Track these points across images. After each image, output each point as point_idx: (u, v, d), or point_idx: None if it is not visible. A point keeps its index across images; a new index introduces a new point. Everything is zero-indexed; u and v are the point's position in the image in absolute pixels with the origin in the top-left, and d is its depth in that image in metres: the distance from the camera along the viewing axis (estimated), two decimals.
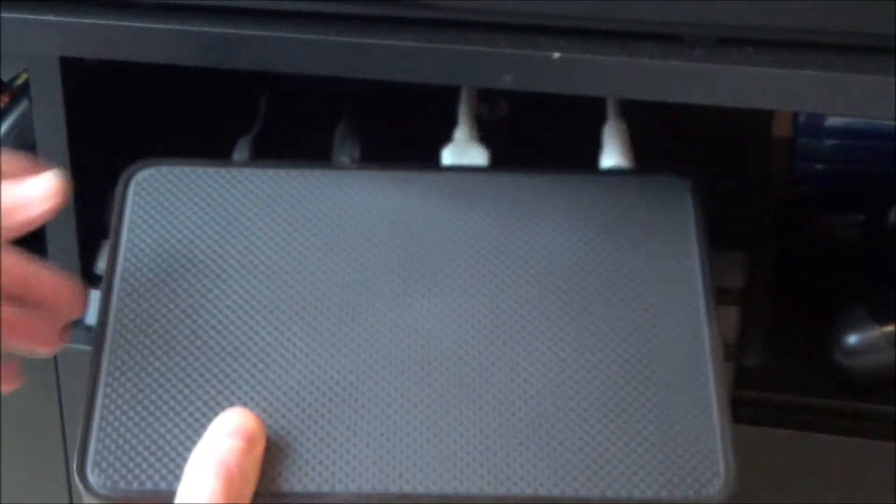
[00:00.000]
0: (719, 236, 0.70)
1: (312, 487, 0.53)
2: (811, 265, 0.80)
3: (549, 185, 0.61)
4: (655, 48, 0.60)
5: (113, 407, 0.55)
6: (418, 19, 0.62)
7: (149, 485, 0.53)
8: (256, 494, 0.53)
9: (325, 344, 0.57)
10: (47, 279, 0.58)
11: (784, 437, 0.68)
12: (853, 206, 0.80)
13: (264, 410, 0.55)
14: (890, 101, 0.57)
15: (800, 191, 0.87)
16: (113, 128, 0.74)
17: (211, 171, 0.62)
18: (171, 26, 0.63)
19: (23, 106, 0.79)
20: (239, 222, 0.60)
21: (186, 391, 0.55)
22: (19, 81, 0.82)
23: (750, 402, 0.69)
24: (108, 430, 0.54)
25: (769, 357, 0.72)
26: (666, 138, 0.75)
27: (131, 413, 0.55)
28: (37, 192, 0.56)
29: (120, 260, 0.59)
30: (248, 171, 0.62)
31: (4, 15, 0.64)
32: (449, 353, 0.56)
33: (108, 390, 0.55)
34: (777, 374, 0.71)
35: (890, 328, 0.68)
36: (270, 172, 0.62)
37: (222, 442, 0.53)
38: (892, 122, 0.82)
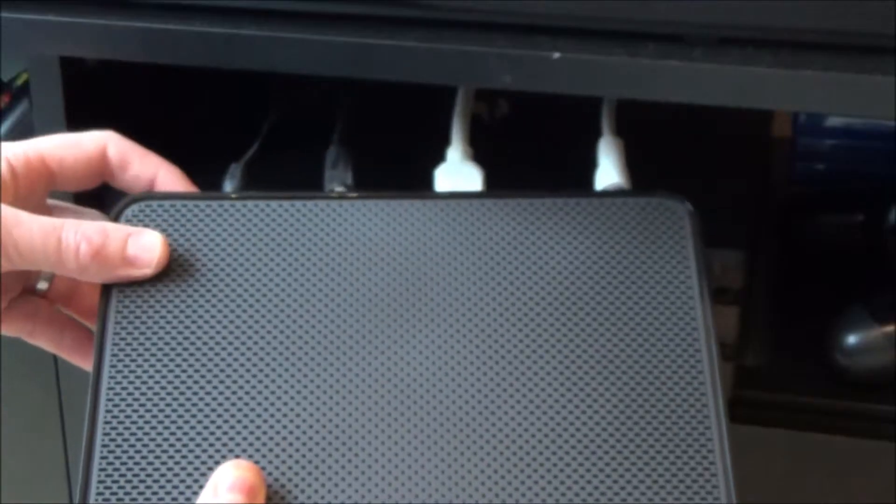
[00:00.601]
0: (719, 236, 0.70)
1: None
2: (811, 265, 0.80)
3: (544, 209, 0.61)
4: (655, 48, 0.60)
5: (111, 461, 0.54)
6: (418, 19, 0.62)
7: None
8: None
9: (324, 385, 0.56)
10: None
11: (784, 437, 0.68)
12: (853, 206, 0.80)
13: (263, 457, 0.54)
14: (890, 101, 0.57)
15: (800, 191, 0.87)
16: (113, 128, 0.74)
17: (202, 204, 0.61)
18: (171, 26, 0.63)
19: (23, 106, 0.79)
20: (230, 256, 0.60)
21: (183, 441, 0.55)
22: (19, 81, 0.82)
23: (750, 402, 0.69)
24: (108, 483, 0.54)
25: (769, 357, 0.72)
26: (665, 138, 0.75)
27: (129, 467, 0.54)
28: (144, 255, 0.56)
29: (112, 303, 0.58)
30: (238, 204, 0.61)
31: (4, 15, 0.64)
32: (448, 390, 0.56)
33: (106, 441, 0.55)
34: (777, 374, 0.71)
35: (890, 328, 0.68)
36: (262, 205, 0.61)
37: (223, 498, 0.52)
38: (892, 122, 0.82)
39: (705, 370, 0.56)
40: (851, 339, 0.69)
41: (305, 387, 0.56)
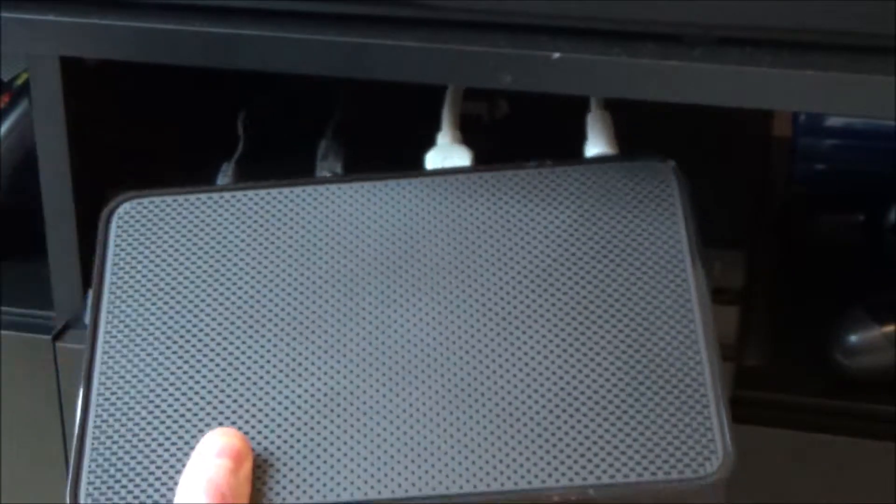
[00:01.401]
0: (719, 236, 0.70)
1: (305, 500, 0.53)
2: (811, 265, 0.80)
3: (532, 179, 0.62)
4: (655, 48, 0.60)
5: (103, 435, 0.55)
6: (418, 19, 0.62)
7: None
8: None
9: (314, 358, 0.57)
10: None
11: (784, 437, 0.68)
12: (853, 206, 0.80)
13: (253, 427, 0.55)
14: (890, 101, 0.57)
15: (800, 191, 0.87)
16: (113, 128, 0.74)
17: (192, 198, 0.62)
18: (171, 26, 0.63)
19: (23, 106, 0.79)
20: (223, 245, 0.60)
21: (175, 414, 0.55)
22: (19, 81, 0.82)
23: (750, 402, 0.69)
24: (99, 458, 0.55)
25: (769, 357, 0.72)
26: (665, 138, 0.75)
27: (122, 440, 0.55)
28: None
29: (106, 287, 0.59)
30: (229, 194, 0.62)
31: (4, 15, 0.64)
32: (438, 357, 0.56)
33: (98, 419, 0.56)
34: (777, 374, 0.71)
35: (890, 328, 0.68)
36: (251, 194, 0.62)
37: (210, 462, 0.52)
38: (892, 122, 0.82)
39: (696, 319, 0.57)
40: (851, 339, 0.69)
41: (296, 360, 0.56)
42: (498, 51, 0.60)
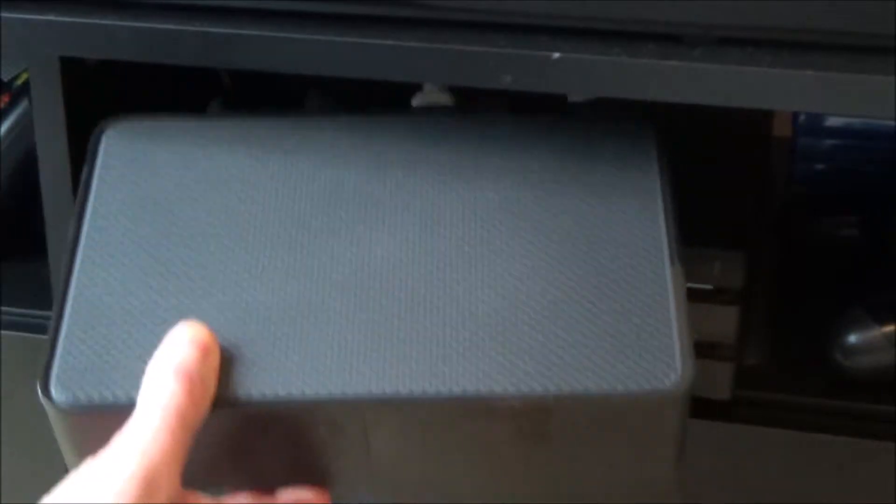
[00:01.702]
0: (719, 236, 0.70)
1: (270, 394, 0.54)
2: (811, 265, 0.80)
3: (513, 126, 0.63)
4: (655, 48, 0.60)
5: (77, 327, 0.56)
6: (418, 19, 0.62)
7: (110, 396, 0.54)
8: (215, 404, 0.54)
9: (286, 268, 0.58)
10: None
11: (784, 437, 0.68)
12: (853, 206, 0.80)
13: (222, 325, 0.56)
14: (890, 101, 0.57)
15: (800, 191, 0.87)
16: None
17: (180, 123, 0.64)
18: (171, 26, 0.63)
19: (23, 106, 0.79)
20: (208, 166, 0.62)
21: (149, 311, 0.57)
22: (19, 81, 0.82)
23: (750, 402, 0.69)
24: (72, 348, 0.56)
25: (769, 357, 0.72)
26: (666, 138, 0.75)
27: (95, 332, 0.56)
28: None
29: (91, 199, 0.61)
30: (217, 121, 0.64)
31: (4, 15, 0.64)
32: (409, 270, 0.58)
33: (74, 311, 0.57)
34: (777, 374, 0.71)
35: (890, 328, 0.69)
36: (239, 122, 0.64)
37: (180, 349, 0.54)
38: (892, 122, 0.82)
39: (663, 244, 0.58)
40: (851, 339, 0.69)
41: (268, 267, 0.58)
42: (498, 51, 0.60)
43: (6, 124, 0.79)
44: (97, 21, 0.64)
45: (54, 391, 0.54)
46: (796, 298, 0.77)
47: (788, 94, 0.58)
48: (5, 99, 0.81)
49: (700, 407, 0.69)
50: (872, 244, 0.78)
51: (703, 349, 0.68)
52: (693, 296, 0.68)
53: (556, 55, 0.59)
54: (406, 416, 0.54)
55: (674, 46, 0.60)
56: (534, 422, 0.54)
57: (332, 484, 0.57)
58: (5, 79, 0.84)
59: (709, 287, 0.69)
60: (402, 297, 0.56)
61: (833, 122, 0.86)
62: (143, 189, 0.61)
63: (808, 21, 0.58)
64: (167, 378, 0.53)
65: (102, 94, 0.72)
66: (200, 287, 0.57)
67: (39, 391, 0.54)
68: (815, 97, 0.58)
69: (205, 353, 0.54)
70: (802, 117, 0.86)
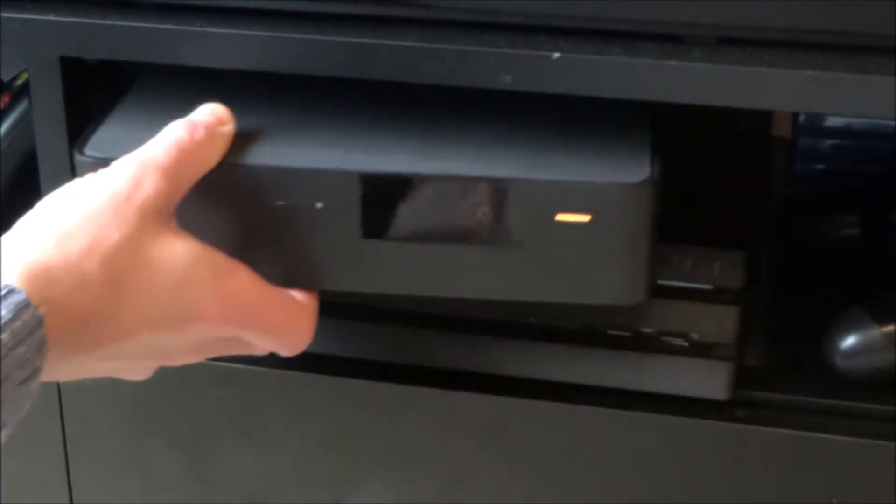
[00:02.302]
0: (719, 236, 0.70)
1: (273, 161, 0.61)
2: (811, 265, 0.80)
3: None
4: (655, 48, 0.60)
5: (122, 114, 0.66)
6: (418, 19, 0.62)
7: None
8: (221, 165, 0.60)
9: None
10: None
11: (784, 437, 0.68)
12: (853, 206, 0.80)
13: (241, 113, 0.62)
14: (890, 101, 0.57)
15: (800, 191, 0.87)
16: None
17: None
18: (170, 26, 0.63)
19: (23, 106, 0.79)
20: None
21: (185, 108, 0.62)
22: (19, 81, 0.82)
23: (750, 402, 0.69)
24: (115, 125, 0.65)
25: (769, 357, 0.72)
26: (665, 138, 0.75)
27: (133, 121, 0.64)
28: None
29: None
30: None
31: (4, 15, 0.64)
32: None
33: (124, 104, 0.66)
34: (777, 374, 0.71)
35: (889, 328, 0.68)
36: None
37: (195, 114, 0.61)
38: (892, 122, 0.82)
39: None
40: (851, 340, 0.69)
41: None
42: (498, 51, 0.60)
43: (6, 124, 0.79)
44: (97, 21, 0.64)
45: (88, 150, 0.63)
46: (796, 298, 0.77)
47: (788, 94, 0.58)
48: (5, 99, 0.81)
49: (700, 407, 0.69)
50: (872, 244, 0.78)
51: (703, 349, 0.69)
52: (693, 296, 0.69)
53: (556, 55, 0.59)
54: (398, 194, 0.61)
55: (674, 46, 0.60)
56: (507, 215, 0.61)
57: (324, 287, 0.63)
58: (5, 79, 0.83)
59: (709, 287, 0.69)
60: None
61: (833, 122, 0.86)
62: None
63: (808, 21, 0.58)
64: (176, 127, 0.60)
65: (102, 94, 0.72)
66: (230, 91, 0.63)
67: (76, 152, 0.63)
68: (815, 97, 0.58)
69: (219, 120, 0.61)
70: (802, 117, 0.86)
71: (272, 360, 0.71)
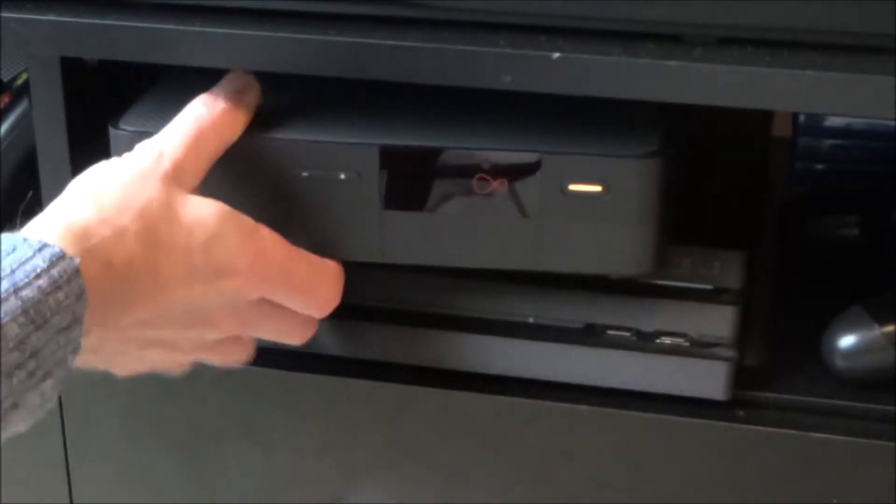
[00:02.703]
0: (719, 236, 0.70)
1: (299, 134, 0.64)
2: (811, 265, 0.80)
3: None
4: (655, 48, 0.60)
5: (156, 93, 0.68)
6: (418, 19, 0.62)
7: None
8: (249, 137, 0.63)
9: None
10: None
11: (784, 437, 0.68)
12: (853, 206, 0.80)
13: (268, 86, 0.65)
14: (890, 101, 0.57)
15: (800, 191, 0.87)
16: (112, 128, 0.74)
17: None
18: (170, 26, 0.63)
19: (23, 106, 0.79)
20: None
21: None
22: (19, 81, 0.82)
23: (750, 402, 0.69)
24: (148, 103, 0.67)
25: (769, 357, 0.72)
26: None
27: (165, 98, 0.66)
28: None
29: None
30: None
31: (4, 15, 0.64)
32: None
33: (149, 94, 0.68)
34: (777, 374, 0.71)
35: (889, 328, 0.68)
36: None
37: (218, 85, 0.63)
38: (892, 122, 0.82)
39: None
40: (851, 340, 0.69)
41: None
42: (498, 51, 0.60)
43: (6, 124, 0.79)
44: (97, 21, 0.64)
45: (122, 124, 0.66)
46: (796, 298, 0.77)
47: (788, 94, 0.58)
48: (5, 99, 0.81)
49: (700, 407, 0.69)
50: (872, 244, 0.78)
51: (702, 349, 0.69)
52: (693, 296, 0.69)
53: (556, 55, 0.59)
54: (414, 166, 0.64)
55: (674, 46, 0.60)
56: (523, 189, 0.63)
57: (345, 258, 0.65)
58: (5, 79, 0.83)
59: (709, 287, 0.69)
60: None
61: (833, 122, 0.86)
62: None
63: (808, 21, 0.58)
64: (198, 101, 0.62)
65: (102, 94, 0.72)
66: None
67: (111, 127, 0.66)
68: (815, 97, 0.58)
69: (241, 90, 0.63)
70: (802, 117, 0.86)
71: (272, 361, 0.72)
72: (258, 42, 0.62)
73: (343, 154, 0.64)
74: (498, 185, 0.63)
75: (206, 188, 0.62)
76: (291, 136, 0.64)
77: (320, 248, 0.65)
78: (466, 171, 0.64)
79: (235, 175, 0.65)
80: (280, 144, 0.64)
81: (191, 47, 0.63)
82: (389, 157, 0.64)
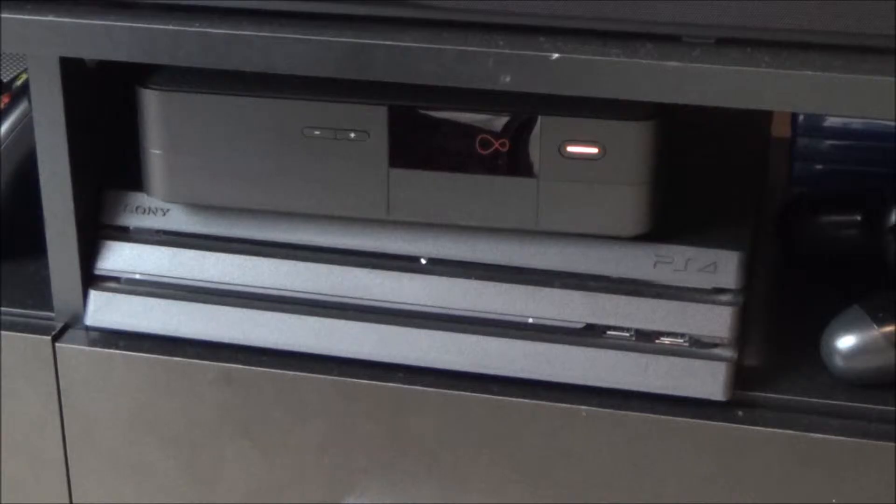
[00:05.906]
0: (719, 236, 0.70)
1: (310, 95, 0.66)
2: (811, 265, 0.80)
3: None
4: (655, 48, 0.60)
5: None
6: (418, 19, 0.62)
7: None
8: (260, 97, 0.65)
9: None
10: None
11: (783, 438, 0.68)
12: (853, 206, 0.80)
13: None
14: (890, 101, 0.57)
15: (799, 191, 0.87)
16: (112, 128, 0.74)
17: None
18: (170, 26, 0.63)
19: (23, 106, 0.79)
20: None
21: None
22: (19, 81, 0.82)
23: (750, 402, 0.69)
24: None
25: (769, 357, 0.72)
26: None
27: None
28: None
29: None
30: None
31: (4, 15, 0.64)
32: None
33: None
34: (777, 374, 0.71)
35: (888, 329, 0.68)
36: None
37: None
38: (892, 122, 0.82)
39: None
40: (850, 341, 0.69)
41: None
42: (498, 51, 0.60)
43: (6, 124, 0.79)
44: (97, 21, 0.64)
45: (150, 83, 0.68)
46: (796, 298, 0.77)
47: (788, 94, 0.58)
48: (5, 99, 0.81)
49: (699, 407, 0.69)
50: (872, 244, 0.78)
51: (702, 349, 0.69)
52: (692, 296, 0.69)
53: (556, 55, 0.59)
54: (421, 126, 0.66)
55: (673, 46, 0.60)
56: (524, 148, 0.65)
57: (353, 214, 0.69)
58: (5, 79, 0.83)
59: (709, 287, 0.69)
60: None
61: (833, 122, 0.86)
62: None
63: (808, 21, 0.58)
64: None
65: (102, 94, 0.72)
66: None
67: (139, 87, 0.68)
68: (815, 97, 0.58)
69: None
70: (802, 117, 0.86)
71: (272, 361, 0.72)
72: (258, 42, 0.62)
73: (353, 114, 0.66)
74: (499, 146, 0.66)
75: (216, 147, 0.66)
76: (304, 95, 0.67)
77: (327, 205, 0.68)
78: (470, 132, 0.66)
79: (247, 132, 0.67)
80: (292, 104, 0.67)
81: (191, 47, 0.63)
82: (397, 116, 0.66)
